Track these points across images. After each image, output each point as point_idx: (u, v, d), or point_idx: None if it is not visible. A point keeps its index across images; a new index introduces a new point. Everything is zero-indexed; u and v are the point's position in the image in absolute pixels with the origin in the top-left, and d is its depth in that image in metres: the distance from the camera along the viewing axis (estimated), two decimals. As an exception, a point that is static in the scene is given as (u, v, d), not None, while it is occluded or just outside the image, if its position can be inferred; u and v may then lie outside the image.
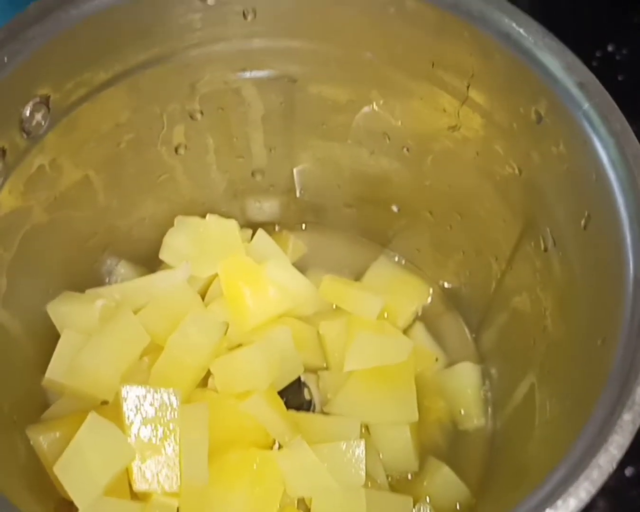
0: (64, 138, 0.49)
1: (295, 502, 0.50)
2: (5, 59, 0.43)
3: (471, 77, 0.48)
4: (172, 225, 0.60)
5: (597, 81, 0.43)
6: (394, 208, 0.61)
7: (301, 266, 0.62)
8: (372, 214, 0.64)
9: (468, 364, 0.60)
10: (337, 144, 0.58)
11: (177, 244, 0.60)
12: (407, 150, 0.56)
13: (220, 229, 0.60)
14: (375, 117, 0.54)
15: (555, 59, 0.44)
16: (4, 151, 0.44)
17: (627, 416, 0.34)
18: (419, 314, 0.63)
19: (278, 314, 0.58)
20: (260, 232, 0.61)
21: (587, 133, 0.42)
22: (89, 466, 0.44)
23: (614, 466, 0.33)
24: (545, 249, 0.48)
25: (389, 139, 0.56)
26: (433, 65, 0.49)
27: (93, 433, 0.44)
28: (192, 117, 0.55)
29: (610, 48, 0.77)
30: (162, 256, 0.60)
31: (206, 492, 0.47)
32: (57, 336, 0.55)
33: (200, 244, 0.59)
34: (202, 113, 0.55)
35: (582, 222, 0.43)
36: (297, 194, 0.64)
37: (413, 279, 0.64)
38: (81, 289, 0.57)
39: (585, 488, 0.32)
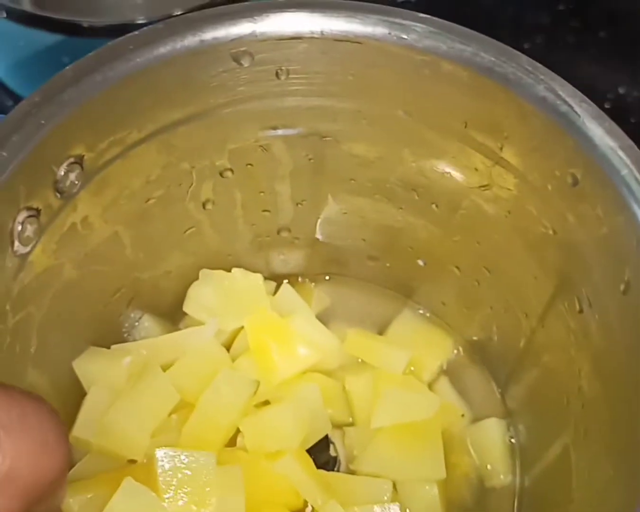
0: (95, 196, 0.49)
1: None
2: (43, 121, 0.43)
3: (505, 138, 0.48)
4: (196, 277, 0.60)
5: (635, 147, 0.43)
6: (420, 262, 0.61)
7: (324, 318, 0.62)
8: (396, 266, 0.63)
9: (495, 420, 0.59)
10: (365, 199, 0.58)
11: (201, 296, 0.59)
12: (436, 206, 0.56)
13: (246, 283, 0.60)
14: (405, 174, 0.55)
15: (592, 124, 0.44)
16: (38, 211, 0.44)
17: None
18: (444, 367, 0.62)
19: (305, 369, 0.57)
20: (286, 286, 0.61)
21: (626, 199, 0.42)
22: (124, 533, 0.43)
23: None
24: (581, 310, 0.48)
25: (417, 195, 0.56)
26: (466, 125, 0.49)
27: (128, 498, 0.43)
28: (221, 173, 0.55)
29: (621, 91, 0.79)
30: (186, 308, 0.60)
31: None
32: (82, 392, 0.54)
33: (225, 297, 0.59)
34: (231, 170, 0.55)
35: (622, 287, 0.43)
36: (321, 247, 0.63)
37: (438, 332, 0.63)
38: (106, 343, 0.57)
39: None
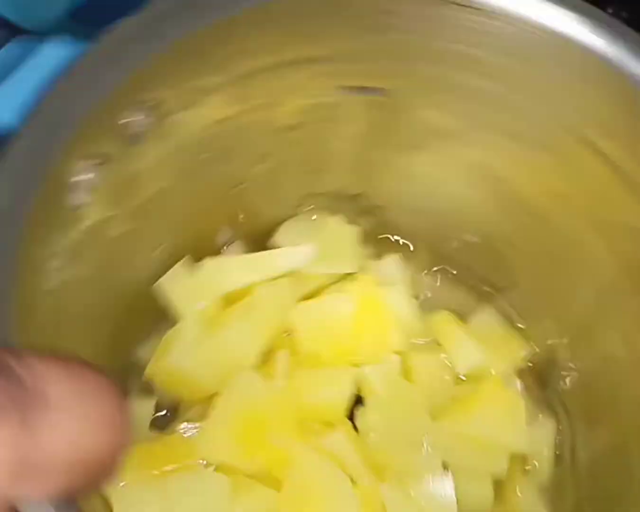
0: (157, 146, 0.46)
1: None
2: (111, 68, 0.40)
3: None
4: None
5: None
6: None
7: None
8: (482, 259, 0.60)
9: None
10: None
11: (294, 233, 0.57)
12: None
13: (341, 232, 0.57)
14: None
15: None
16: (106, 156, 0.42)
17: None
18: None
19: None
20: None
21: None
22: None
23: None
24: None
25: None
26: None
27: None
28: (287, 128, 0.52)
29: None
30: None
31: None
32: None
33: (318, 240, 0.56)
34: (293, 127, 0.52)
35: None
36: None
37: (513, 334, 0.59)
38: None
39: None
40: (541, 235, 0.54)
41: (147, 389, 0.52)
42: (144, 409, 0.51)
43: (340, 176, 0.58)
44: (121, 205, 0.46)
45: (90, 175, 0.41)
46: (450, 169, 0.54)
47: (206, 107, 0.46)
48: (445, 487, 0.48)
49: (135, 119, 0.43)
